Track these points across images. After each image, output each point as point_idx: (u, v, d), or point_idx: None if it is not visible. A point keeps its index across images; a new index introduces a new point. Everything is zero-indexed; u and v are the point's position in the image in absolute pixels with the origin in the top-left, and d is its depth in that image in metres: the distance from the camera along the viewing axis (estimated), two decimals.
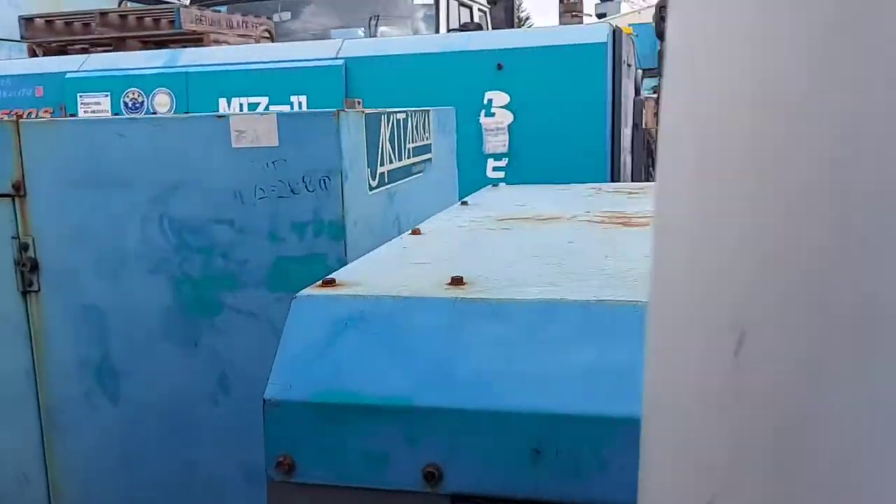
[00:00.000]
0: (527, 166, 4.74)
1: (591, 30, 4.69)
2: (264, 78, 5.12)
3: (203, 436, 2.44)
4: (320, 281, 1.17)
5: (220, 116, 2.27)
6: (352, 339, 1.05)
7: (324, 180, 2.23)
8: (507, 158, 4.77)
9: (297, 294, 1.11)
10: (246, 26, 6.74)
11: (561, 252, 1.37)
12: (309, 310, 1.09)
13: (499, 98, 4.75)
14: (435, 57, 4.80)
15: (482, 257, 1.37)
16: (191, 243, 2.34)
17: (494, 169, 4.78)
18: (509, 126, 4.75)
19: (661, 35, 6.33)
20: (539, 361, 0.97)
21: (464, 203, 2.06)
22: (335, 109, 2.20)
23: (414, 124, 2.99)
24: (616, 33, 4.69)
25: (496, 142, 4.76)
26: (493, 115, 4.74)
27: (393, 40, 5.77)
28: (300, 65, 5.08)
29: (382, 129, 2.62)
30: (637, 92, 5.48)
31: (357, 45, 5.04)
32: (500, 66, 4.71)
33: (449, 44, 4.82)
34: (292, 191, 2.27)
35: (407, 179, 2.92)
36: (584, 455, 0.93)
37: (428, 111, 3.16)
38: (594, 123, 4.63)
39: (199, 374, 2.40)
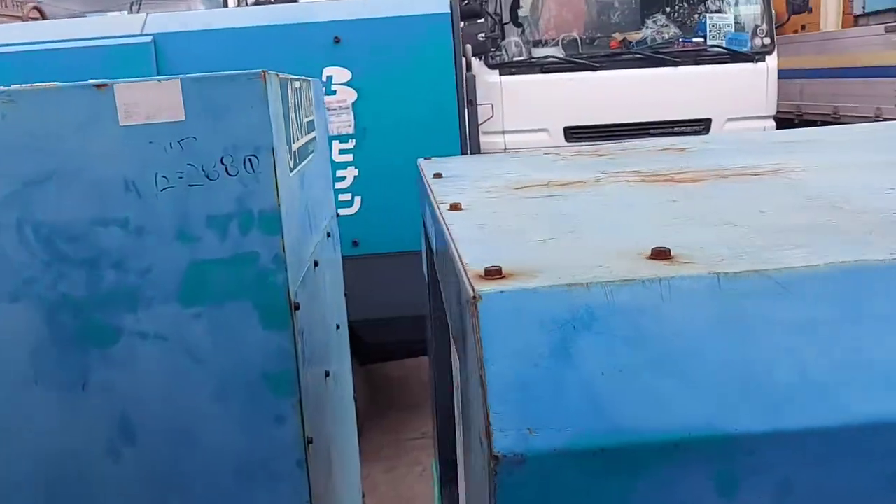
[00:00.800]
0: (376, 146, 4.41)
1: (430, 0, 4.44)
2: (46, 61, 4.29)
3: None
4: (481, 272, 0.80)
5: (99, 85, 1.72)
6: (591, 349, 0.71)
7: (250, 160, 1.77)
8: (353, 139, 4.40)
9: (478, 293, 0.74)
10: (5, 4, 5.71)
11: (697, 212, 1.10)
12: (507, 315, 0.72)
13: (339, 74, 4.35)
14: (262, 31, 4.29)
15: (617, 225, 1.06)
16: (68, 255, 1.76)
17: (341, 152, 4.39)
18: (353, 104, 4.38)
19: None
20: (882, 349, 0.70)
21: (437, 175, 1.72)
22: (259, 70, 1.75)
23: (305, 96, 2.56)
24: (453, 3, 4.48)
25: (340, 122, 4.37)
26: (334, 93, 4.34)
27: (211, 13, 5.14)
28: (96, 44, 4.33)
29: (290, 100, 2.18)
30: (468, 67, 5.33)
31: (166, 19, 4.37)
32: (337, 40, 4.31)
33: (278, 16, 4.33)
34: (207, 176, 1.78)
35: (308, 159, 2.49)
36: None
37: (310, 81, 2.74)
38: (443, 98, 4.40)
39: (91, 423, 1.84)
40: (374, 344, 4.72)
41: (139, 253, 1.77)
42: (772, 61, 7.31)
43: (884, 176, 1.34)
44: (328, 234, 2.92)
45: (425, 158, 2.22)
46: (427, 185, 1.61)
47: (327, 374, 2.43)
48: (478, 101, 5.00)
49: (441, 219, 1.21)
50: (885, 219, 0.95)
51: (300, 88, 2.44)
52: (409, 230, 4.54)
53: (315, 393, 2.13)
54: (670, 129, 7.10)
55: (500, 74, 6.89)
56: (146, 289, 1.79)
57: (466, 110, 4.95)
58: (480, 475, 0.70)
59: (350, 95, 4.36)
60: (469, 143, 4.80)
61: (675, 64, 7.13)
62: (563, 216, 1.17)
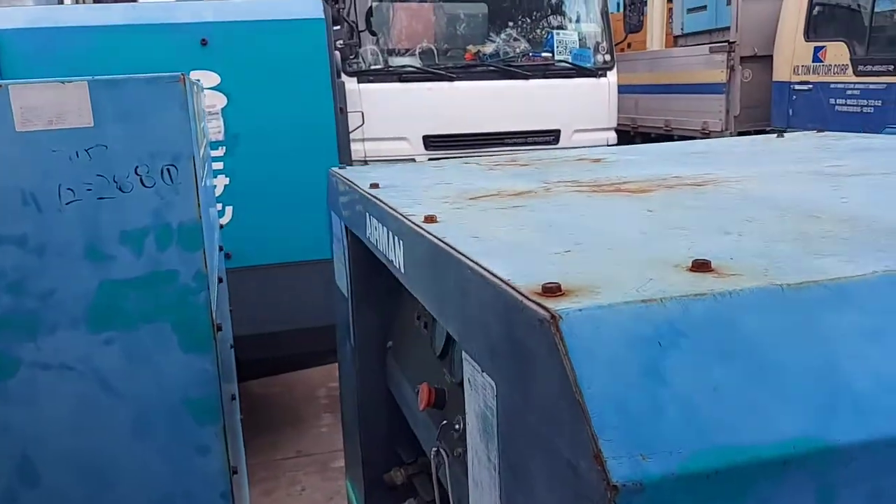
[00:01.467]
0: (248, 154, 4.23)
1: (303, 4, 4.31)
2: None
3: None
4: (538, 289, 0.77)
5: None
6: (683, 366, 0.69)
7: (168, 170, 1.62)
8: (224, 146, 4.19)
9: (559, 312, 0.70)
10: None
11: (687, 222, 1.12)
12: (592, 334, 0.70)
13: (207, 78, 4.13)
14: (122, 30, 3.99)
15: (621, 235, 1.06)
16: None
17: (212, 159, 4.16)
18: (222, 110, 4.17)
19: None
20: None
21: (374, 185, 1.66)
22: (179, 73, 1.61)
23: (201, 100, 2.40)
24: (326, 9, 4.39)
25: (210, 128, 4.14)
26: None
27: (62, 9, 4.71)
28: None
29: (196, 105, 2.03)
30: (338, 74, 5.24)
31: (8, 14, 3.97)
32: (204, 42, 4.10)
33: (139, 16, 4.05)
34: (120, 188, 1.61)
35: (206, 168, 2.33)
36: None
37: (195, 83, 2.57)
38: (320, 105, 4.29)
39: None
40: (247, 362, 4.52)
41: (40, 273, 1.57)
42: (612, 76, 7.76)
43: (818, 187, 1.43)
44: (220, 248, 2.76)
45: (338, 167, 2.15)
46: (372, 196, 1.55)
47: (233, 397, 2.29)
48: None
49: (421, 231, 1.16)
50: (877, 227, 1.01)
51: (198, 92, 2.29)
52: (284, 241, 4.40)
53: (231, 419, 1.99)
54: (524, 140, 7.34)
55: (359, 82, 6.85)
56: (48, 313, 1.59)
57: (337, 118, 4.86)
58: (592, 495, 0.66)
59: (219, 100, 4.15)
60: (340, 152, 4.72)
61: (526, 77, 7.39)
62: (552, 227, 1.15)
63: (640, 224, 1.13)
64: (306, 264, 4.42)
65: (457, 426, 1.41)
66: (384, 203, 1.44)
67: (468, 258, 0.94)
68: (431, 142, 7.24)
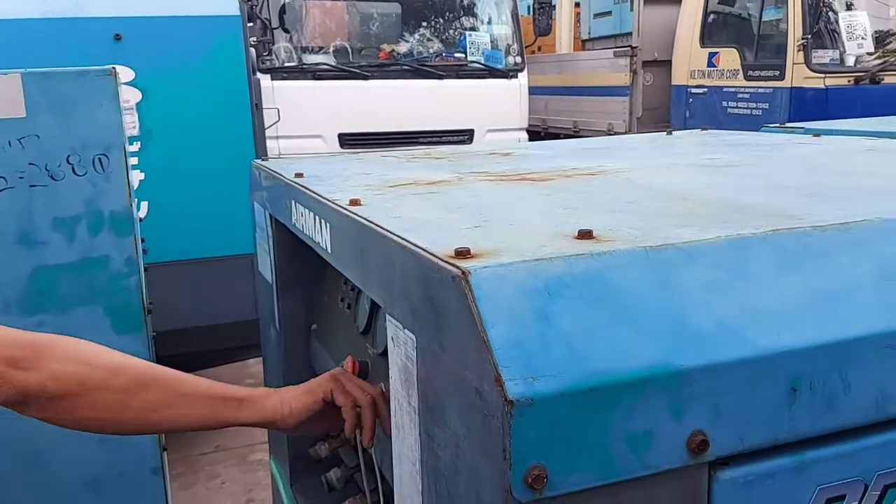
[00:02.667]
0: (163, 149, 4.25)
1: (218, 0, 4.35)
2: None
3: None
4: (451, 253, 0.92)
5: None
6: (566, 311, 0.86)
7: (100, 159, 1.70)
8: (138, 142, 4.20)
9: (468, 269, 0.86)
10: None
11: (579, 203, 1.30)
12: (495, 286, 0.86)
13: (121, 74, 4.12)
14: (34, 24, 3.95)
15: (524, 215, 1.23)
16: None
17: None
18: (137, 105, 4.18)
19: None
20: (766, 298, 0.93)
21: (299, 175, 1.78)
22: (110, 66, 1.69)
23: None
24: (241, 5, 4.45)
25: (124, 123, 4.14)
26: None
27: None
28: None
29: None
30: (253, 70, 5.28)
31: None
32: (118, 37, 4.10)
33: (51, 9, 4.01)
34: (52, 176, 1.68)
35: None
36: (832, 383, 0.92)
37: None
38: (236, 101, 4.35)
39: None
40: (164, 358, 4.52)
41: None
42: (523, 78, 8.03)
43: (692, 176, 1.64)
44: (142, 240, 2.81)
45: (261, 160, 2.26)
46: (298, 185, 1.67)
47: None
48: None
49: (347, 213, 1.30)
50: (730, 205, 1.22)
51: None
52: (200, 237, 4.43)
53: None
54: (438, 139, 7.49)
55: (273, 79, 6.87)
56: None
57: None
58: (481, 425, 0.82)
59: (134, 96, 4.15)
60: (256, 148, 4.78)
61: (440, 76, 7.56)
62: (462, 208, 1.32)
63: (539, 205, 1.31)
64: (223, 260, 4.46)
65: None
66: (310, 190, 1.57)
67: (392, 233, 1.09)
68: (346, 140, 7.33)
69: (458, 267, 0.88)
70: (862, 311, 0.95)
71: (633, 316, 0.88)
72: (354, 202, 1.36)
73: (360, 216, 1.24)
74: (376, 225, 1.16)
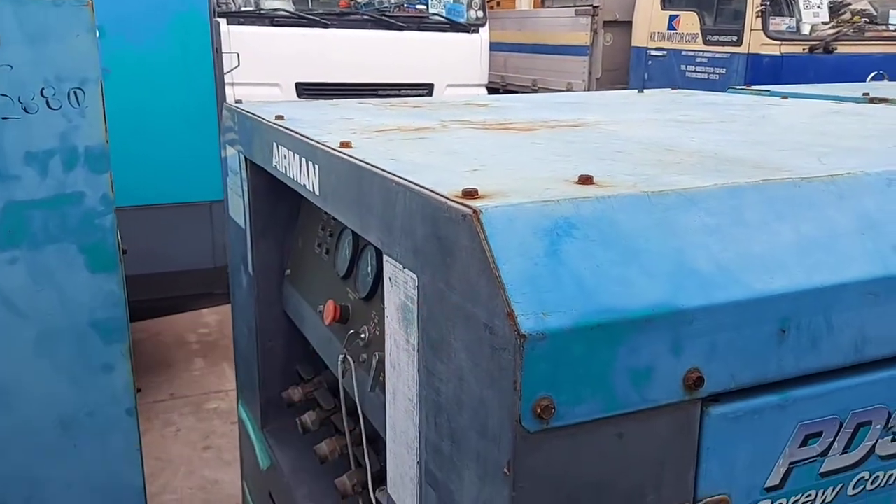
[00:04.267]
0: (122, 91, 4.12)
1: None
2: None
3: None
4: (458, 193, 0.94)
5: None
6: (574, 250, 0.89)
7: (75, 93, 1.65)
8: None
9: (479, 208, 0.88)
10: None
11: (570, 151, 1.32)
12: (506, 225, 0.87)
13: None
14: None
15: (519, 160, 1.24)
16: None
17: None
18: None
19: None
20: (760, 244, 0.97)
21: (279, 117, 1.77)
22: None
23: None
24: None
25: None
26: None
27: None
28: None
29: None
30: (213, 14, 5.13)
31: None
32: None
33: None
34: (25, 109, 1.62)
35: None
36: (817, 325, 0.97)
37: None
38: (196, 45, 4.23)
39: None
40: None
41: None
42: (485, 33, 7.97)
43: (673, 130, 1.68)
44: None
45: (236, 102, 2.22)
46: (282, 127, 1.66)
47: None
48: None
49: (341, 155, 1.30)
50: (717, 157, 1.25)
51: None
52: (159, 182, 4.34)
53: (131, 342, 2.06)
54: (397, 92, 7.41)
55: (229, 24, 6.70)
56: None
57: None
58: (490, 359, 0.85)
59: None
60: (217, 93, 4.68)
61: (401, 28, 7.46)
62: (456, 153, 1.33)
63: (532, 152, 1.33)
64: (180, 207, 4.40)
65: (362, 335, 1.57)
66: (296, 132, 1.56)
67: (394, 175, 1.10)
68: (304, 90, 7.20)
69: (468, 206, 0.89)
70: (846, 259, 1.00)
71: (638, 257, 0.91)
72: (345, 144, 1.36)
73: (356, 158, 1.24)
74: (375, 166, 1.16)
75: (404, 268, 1.08)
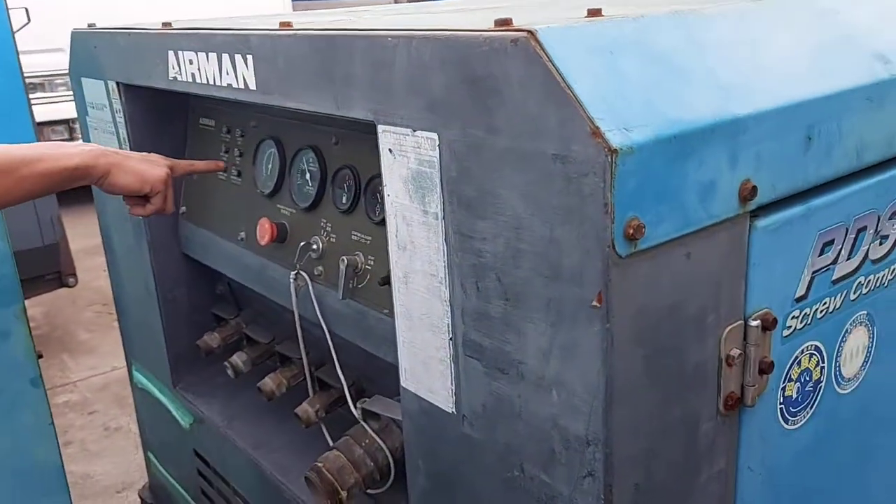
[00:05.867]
0: None
1: None
2: None
3: None
4: (492, 24, 0.87)
5: None
6: (632, 67, 0.85)
7: None
8: None
9: (534, 29, 0.81)
10: None
11: None
12: (564, 45, 0.81)
13: None
14: None
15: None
16: None
17: None
18: None
19: None
20: (776, 56, 0.99)
21: None
22: None
23: None
24: None
25: None
26: None
27: None
28: None
29: None
30: None
31: None
32: None
33: None
34: None
35: None
36: (832, 132, 1.01)
37: None
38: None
39: None
40: None
41: None
42: None
43: None
44: None
45: (88, 25, 1.96)
46: (183, 30, 1.47)
47: None
48: None
49: (289, 34, 1.17)
50: None
51: None
52: None
53: None
54: None
55: None
56: None
57: None
58: (564, 191, 0.80)
59: None
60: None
61: None
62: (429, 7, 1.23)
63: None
64: None
65: (314, 247, 1.45)
66: (210, 30, 1.39)
67: (389, 30, 1.00)
68: None
69: (518, 30, 0.83)
70: (844, 68, 1.04)
71: (685, 72, 0.89)
72: (286, 24, 1.22)
73: (323, 28, 1.12)
74: (357, 29, 1.05)
75: (415, 131, 0.99)
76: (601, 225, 0.79)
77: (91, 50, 1.88)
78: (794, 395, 1.10)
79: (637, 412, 0.90)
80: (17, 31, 4.75)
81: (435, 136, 0.96)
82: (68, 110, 6.26)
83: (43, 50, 6.11)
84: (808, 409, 1.13)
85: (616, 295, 0.82)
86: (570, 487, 0.94)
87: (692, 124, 0.84)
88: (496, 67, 0.85)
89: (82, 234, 5.31)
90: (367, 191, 1.35)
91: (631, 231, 0.80)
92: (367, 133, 1.32)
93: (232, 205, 1.74)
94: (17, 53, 3.98)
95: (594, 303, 0.82)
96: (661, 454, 0.95)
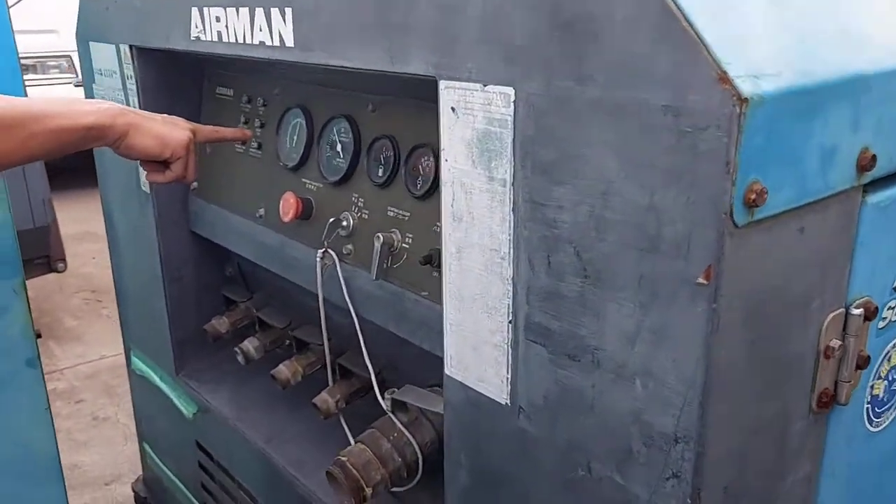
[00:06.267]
0: None
1: None
2: None
3: None
4: None
5: None
6: (751, 11, 0.75)
7: None
8: None
9: None
10: None
11: None
12: None
13: None
14: None
15: None
16: None
17: None
18: None
19: None
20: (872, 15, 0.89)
21: None
22: None
23: None
24: None
25: None
26: None
27: None
28: None
29: None
30: None
31: None
32: None
33: None
34: None
35: None
36: None
37: None
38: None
39: None
40: None
41: None
42: None
43: None
44: None
45: None
46: None
47: None
48: None
49: None
50: None
51: None
52: None
53: None
54: None
55: None
56: None
57: None
58: (674, 150, 0.69)
59: None
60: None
61: None
62: None
63: None
64: None
65: (344, 223, 1.34)
66: None
67: None
68: None
69: None
70: None
71: (813, 17, 0.79)
72: None
73: None
74: None
75: (485, 86, 0.88)
76: (719, 188, 0.69)
77: (102, 11, 1.76)
78: (882, 395, 1.01)
79: (734, 407, 0.79)
80: (13, 5, 4.61)
81: (511, 90, 0.85)
82: (60, 94, 6.12)
83: (35, 31, 5.95)
84: (893, 409, 1.04)
85: (727, 271, 0.71)
86: (649, 490, 0.83)
87: (822, 78, 0.74)
88: (596, 5, 0.75)
89: (71, 220, 5.17)
90: (409, 162, 1.24)
91: (753, 196, 0.69)
92: (412, 97, 1.22)
93: (250, 179, 1.63)
94: (13, 33, 3.82)
95: (700, 279, 0.72)
96: (752, 455, 0.85)
